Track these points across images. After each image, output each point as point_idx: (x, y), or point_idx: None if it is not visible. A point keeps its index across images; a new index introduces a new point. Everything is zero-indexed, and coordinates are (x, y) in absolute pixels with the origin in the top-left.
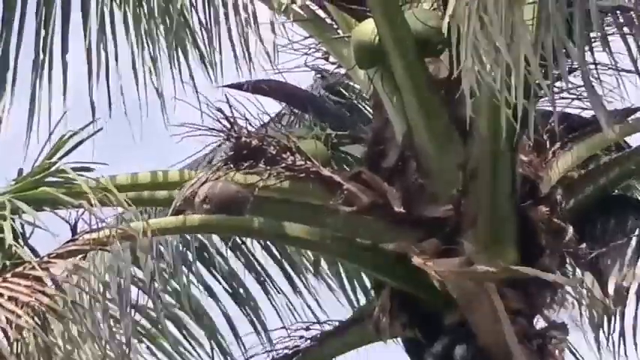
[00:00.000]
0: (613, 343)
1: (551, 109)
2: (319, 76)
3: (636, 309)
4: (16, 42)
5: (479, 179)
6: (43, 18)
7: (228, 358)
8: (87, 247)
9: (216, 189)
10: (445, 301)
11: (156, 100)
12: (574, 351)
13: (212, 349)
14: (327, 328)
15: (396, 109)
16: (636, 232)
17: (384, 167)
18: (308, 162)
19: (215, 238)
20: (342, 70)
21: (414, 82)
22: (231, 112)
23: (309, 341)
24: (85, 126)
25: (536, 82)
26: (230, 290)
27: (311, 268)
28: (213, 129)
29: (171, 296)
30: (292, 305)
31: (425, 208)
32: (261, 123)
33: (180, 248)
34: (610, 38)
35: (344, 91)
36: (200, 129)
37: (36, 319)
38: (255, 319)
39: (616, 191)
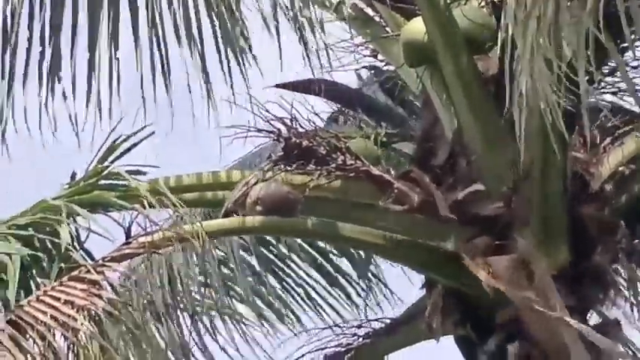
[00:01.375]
0: None
1: (601, 103)
2: (368, 74)
3: None
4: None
5: (530, 177)
6: (92, 18)
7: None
8: (141, 251)
9: (267, 190)
10: (497, 298)
11: (204, 101)
12: (629, 347)
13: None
14: (378, 325)
15: (445, 106)
16: None
17: (434, 165)
18: (358, 161)
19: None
20: (392, 68)
21: (464, 80)
22: (283, 113)
23: (361, 339)
24: (139, 130)
25: (588, 78)
26: (282, 286)
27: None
28: (264, 130)
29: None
30: (344, 303)
31: (475, 206)
32: (312, 123)
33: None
34: None
35: (393, 89)
36: (250, 130)
37: (92, 322)
38: (307, 316)
39: None
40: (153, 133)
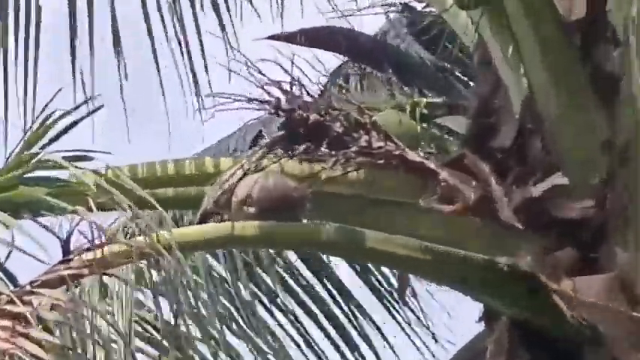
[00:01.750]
0: None
1: None
2: (400, 20)
3: None
4: None
5: (631, 162)
6: None
7: None
8: (86, 271)
9: (261, 185)
10: (586, 333)
11: (173, 63)
12: None
13: None
14: None
15: (511, 65)
16: None
17: (495, 148)
18: (389, 143)
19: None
20: (434, 12)
21: (537, 27)
22: (283, 75)
23: None
24: (82, 104)
25: None
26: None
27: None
28: (256, 99)
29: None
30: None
31: (555, 205)
32: (322, 88)
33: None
34: None
35: (436, 42)
36: (237, 100)
37: None
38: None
39: None
40: (102, 107)
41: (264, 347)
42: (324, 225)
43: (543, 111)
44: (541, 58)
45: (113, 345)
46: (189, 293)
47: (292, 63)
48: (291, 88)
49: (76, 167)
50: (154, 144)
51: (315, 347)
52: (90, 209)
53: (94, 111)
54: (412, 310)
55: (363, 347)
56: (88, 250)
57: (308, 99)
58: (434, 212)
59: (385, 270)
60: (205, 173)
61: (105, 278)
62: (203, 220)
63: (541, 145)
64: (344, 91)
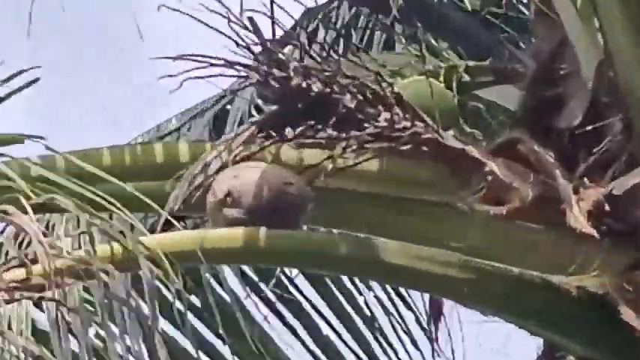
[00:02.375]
0: None
1: None
2: None
3: None
4: None
5: None
6: None
7: None
8: (6, 296)
9: (247, 178)
10: None
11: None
12: None
13: None
14: None
15: (581, 18)
16: None
17: (561, 129)
18: (418, 122)
19: None
20: None
21: None
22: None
23: None
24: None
25: None
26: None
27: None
28: (238, 63)
29: None
30: None
31: None
32: (325, 46)
33: None
34: None
35: None
36: (214, 64)
37: None
38: None
39: None
40: (37, 80)
41: None
42: (332, 235)
43: (624, 79)
44: (621, 10)
45: None
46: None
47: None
48: (286, 48)
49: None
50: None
51: None
52: (23, 210)
53: (27, 84)
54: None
55: None
56: (15, 267)
57: (309, 62)
58: (478, 216)
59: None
60: (176, 162)
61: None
62: (167, 227)
63: (622, 124)
64: (358, 52)
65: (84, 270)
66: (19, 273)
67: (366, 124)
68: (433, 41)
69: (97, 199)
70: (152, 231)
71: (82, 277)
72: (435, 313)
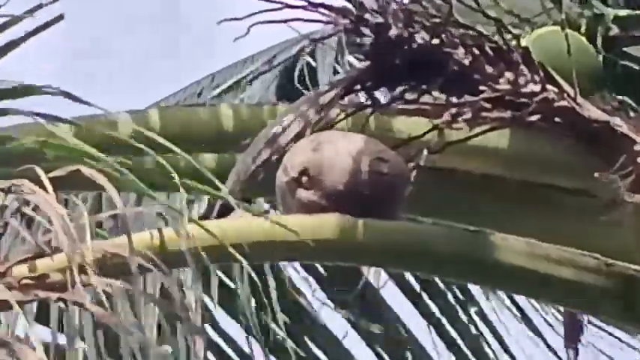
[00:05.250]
0: None
1: None
2: None
3: None
4: None
5: None
6: None
7: None
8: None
9: (330, 153)
10: None
11: None
12: None
13: None
14: None
15: None
16: None
17: None
18: (550, 85)
19: None
20: None
21: None
22: None
23: None
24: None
25: None
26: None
27: None
28: (322, 4)
29: None
30: None
31: None
32: None
33: None
34: None
35: None
36: (291, 4)
37: None
38: None
39: None
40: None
41: None
42: (438, 228)
43: None
44: None
45: None
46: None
47: None
48: None
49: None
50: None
51: None
52: (41, 185)
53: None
54: None
55: None
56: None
57: (413, 6)
58: (625, 208)
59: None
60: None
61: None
62: (224, 211)
63: None
64: None
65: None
66: (36, 266)
67: (483, 87)
68: None
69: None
70: (204, 217)
71: (116, 273)
72: (571, 332)
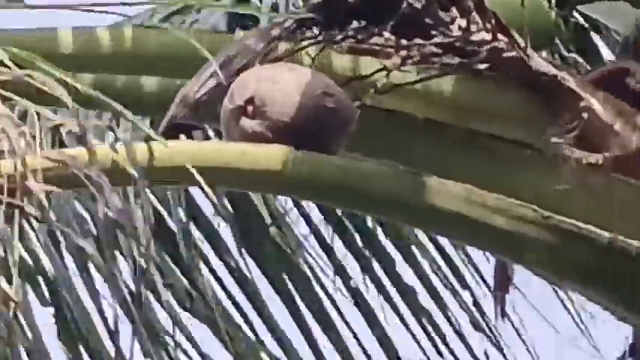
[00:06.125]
0: None
1: None
2: None
3: None
4: None
5: None
6: None
7: None
8: None
9: (277, 84)
10: None
11: None
12: None
13: None
14: None
15: None
16: None
17: None
18: (502, 36)
19: None
20: None
21: None
22: None
23: None
24: None
25: None
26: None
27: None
28: None
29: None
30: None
31: None
32: None
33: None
34: None
35: None
36: None
37: None
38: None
39: None
40: None
41: None
42: (377, 167)
43: None
44: None
45: None
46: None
47: None
48: None
49: None
50: None
51: None
52: None
53: None
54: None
55: None
56: None
57: None
58: (567, 163)
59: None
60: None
61: None
62: (167, 135)
63: None
64: None
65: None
66: None
67: (434, 32)
68: None
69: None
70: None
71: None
72: (502, 285)
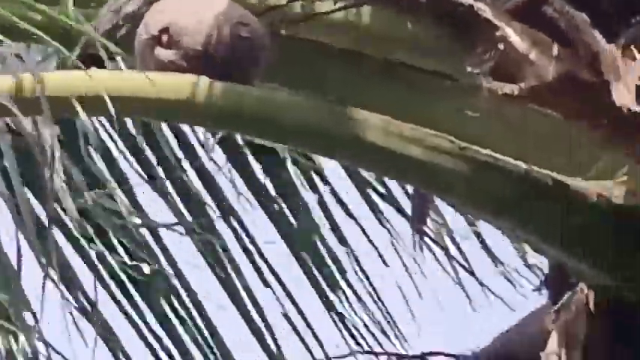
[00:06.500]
0: None
1: None
2: None
3: None
4: None
5: None
6: None
7: None
8: None
9: (193, 12)
10: None
11: None
12: None
13: None
14: None
15: None
16: None
17: None
18: None
19: None
20: None
21: None
22: None
23: None
24: None
25: None
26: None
27: None
28: None
29: None
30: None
31: None
32: None
33: None
34: None
35: None
36: None
37: None
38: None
39: None
40: None
41: None
42: (292, 97)
43: None
44: None
45: None
46: None
47: None
48: None
49: None
50: None
51: None
52: None
53: None
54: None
55: None
56: None
57: None
58: (483, 94)
59: None
60: None
61: None
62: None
63: None
64: None
65: None
66: None
67: None
68: None
69: None
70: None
71: None
72: (421, 214)
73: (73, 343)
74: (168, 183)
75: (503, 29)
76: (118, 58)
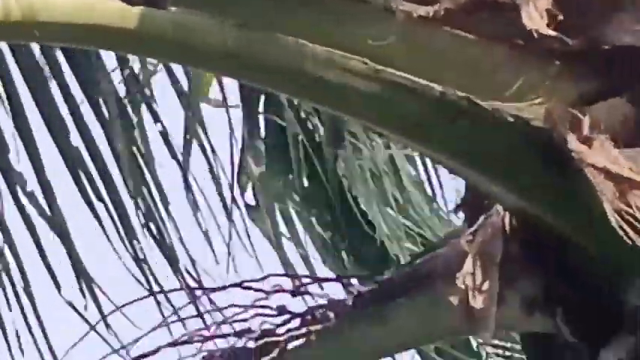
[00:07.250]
0: None
1: None
2: None
3: None
4: None
5: None
6: None
7: None
8: None
9: None
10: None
11: None
12: None
13: None
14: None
15: None
16: None
17: None
18: None
19: None
20: None
21: None
22: None
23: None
24: None
25: None
26: None
27: None
28: None
29: None
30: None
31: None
32: None
33: None
34: None
35: None
36: None
37: None
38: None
39: None
40: None
41: None
42: (206, 21)
43: None
44: None
45: None
46: None
47: None
48: None
49: None
50: None
51: None
52: None
53: None
54: None
55: None
56: None
57: None
58: (396, 16)
59: None
60: None
61: None
62: None
63: None
64: None
65: None
66: None
67: None
68: None
69: None
70: None
71: None
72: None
73: None
74: None
75: None
76: None
